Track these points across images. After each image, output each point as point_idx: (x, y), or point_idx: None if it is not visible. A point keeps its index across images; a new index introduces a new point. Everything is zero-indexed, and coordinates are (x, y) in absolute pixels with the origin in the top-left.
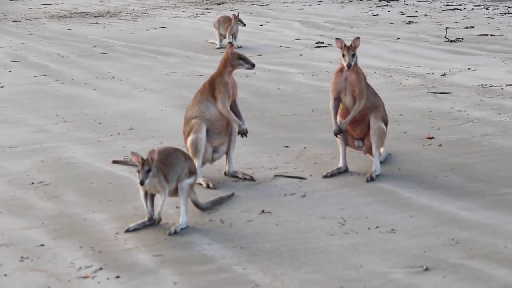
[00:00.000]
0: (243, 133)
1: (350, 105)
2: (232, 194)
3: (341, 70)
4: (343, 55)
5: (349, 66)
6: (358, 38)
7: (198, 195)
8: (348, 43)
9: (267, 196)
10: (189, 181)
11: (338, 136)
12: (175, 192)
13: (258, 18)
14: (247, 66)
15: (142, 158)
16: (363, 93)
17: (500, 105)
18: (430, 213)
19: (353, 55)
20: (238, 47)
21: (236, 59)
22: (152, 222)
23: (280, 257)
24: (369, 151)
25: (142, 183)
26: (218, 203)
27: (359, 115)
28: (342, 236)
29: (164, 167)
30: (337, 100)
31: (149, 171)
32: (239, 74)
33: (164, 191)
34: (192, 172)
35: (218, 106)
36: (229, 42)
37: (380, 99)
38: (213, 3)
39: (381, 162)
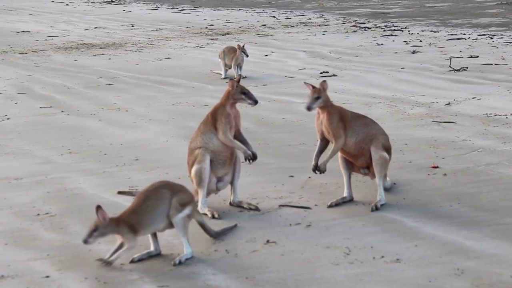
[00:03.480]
0: (250, 158)
1: None
2: (235, 226)
3: (318, 112)
4: (308, 97)
5: (307, 109)
6: (324, 81)
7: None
8: (317, 86)
9: (272, 226)
10: (181, 215)
11: (316, 173)
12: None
13: (263, 48)
14: (249, 101)
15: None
16: (337, 134)
17: (505, 134)
18: (435, 243)
19: (316, 98)
20: (243, 77)
21: (239, 93)
22: (158, 253)
23: (285, 287)
24: (375, 177)
25: (84, 242)
26: (222, 234)
27: (355, 150)
28: (347, 265)
29: (135, 215)
30: (323, 140)
31: (95, 230)
32: (244, 104)
33: (128, 242)
34: (185, 204)
35: (220, 137)
36: (239, 75)
37: (375, 128)
38: (218, 34)
39: (386, 190)
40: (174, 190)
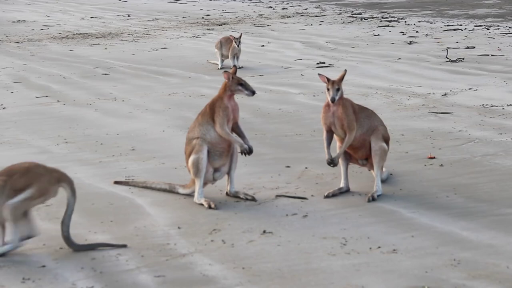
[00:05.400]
0: (246, 152)
1: (343, 136)
2: (124, 246)
3: (328, 104)
4: (328, 90)
5: (332, 100)
6: (344, 71)
7: (200, 216)
8: (333, 78)
9: (268, 217)
10: (12, 201)
11: (331, 166)
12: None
13: (260, 39)
14: (246, 92)
15: None
16: (352, 126)
17: (501, 125)
18: (432, 234)
19: (338, 89)
20: (240, 68)
21: (235, 85)
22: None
23: (282, 277)
24: (373, 168)
25: None
26: (94, 247)
27: (358, 142)
28: (343, 256)
29: None
30: (329, 132)
31: None
32: (241, 95)
33: None
34: (19, 189)
35: (217, 130)
36: (234, 66)
37: (376, 119)
38: (215, 24)
39: (382, 181)
40: (11, 175)
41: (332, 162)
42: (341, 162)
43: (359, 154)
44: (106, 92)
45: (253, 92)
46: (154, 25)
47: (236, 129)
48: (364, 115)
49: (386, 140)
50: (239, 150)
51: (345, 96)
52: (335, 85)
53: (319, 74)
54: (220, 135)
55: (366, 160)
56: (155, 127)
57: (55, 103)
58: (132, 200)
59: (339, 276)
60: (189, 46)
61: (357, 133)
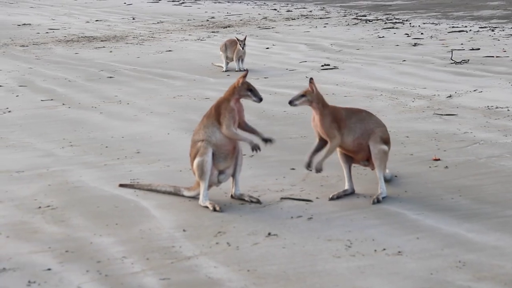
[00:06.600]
0: (256, 148)
1: None
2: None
3: (313, 113)
4: None
5: (289, 102)
6: (311, 79)
7: (205, 218)
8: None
9: (273, 219)
10: None
11: (309, 170)
12: None
13: (264, 41)
14: (254, 99)
15: None
16: (331, 134)
17: (506, 126)
18: (437, 235)
19: (301, 96)
20: (244, 70)
21: (245, 90)
22: None
23: (287, 279)
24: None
25: None
26: None
27: (353, 147)
28: (348, 258)
29: None
30: (321, 140)
31: None
32: (248, 100)
33: None
34: None
35: (223, 131)
36: (246, 70)
37: (371, 121)
38: (219, 26)
39: (386, 182)
40: None
41: (309, 167)
42: (343, 165)
43: (359, 156)
44: (111, 95)
45: (260, 99)
46: (159, 28)
47: (245, 127)
48: (355, 119)
49: (386, 141)
50: (253, 148)
51: (349, 98)
52: (302, 91)
53: (310, 78)
54: (228, 136)
55: (368, 161)
56: (160, 130)
57: (60, 106)
58: (137, 203)
59: (344, 279)
60: (194, 49)
61: (348, 139)
